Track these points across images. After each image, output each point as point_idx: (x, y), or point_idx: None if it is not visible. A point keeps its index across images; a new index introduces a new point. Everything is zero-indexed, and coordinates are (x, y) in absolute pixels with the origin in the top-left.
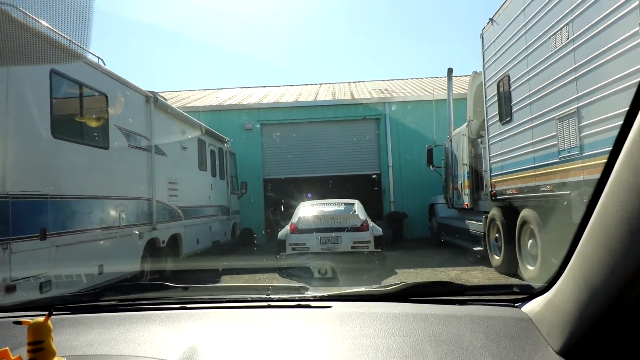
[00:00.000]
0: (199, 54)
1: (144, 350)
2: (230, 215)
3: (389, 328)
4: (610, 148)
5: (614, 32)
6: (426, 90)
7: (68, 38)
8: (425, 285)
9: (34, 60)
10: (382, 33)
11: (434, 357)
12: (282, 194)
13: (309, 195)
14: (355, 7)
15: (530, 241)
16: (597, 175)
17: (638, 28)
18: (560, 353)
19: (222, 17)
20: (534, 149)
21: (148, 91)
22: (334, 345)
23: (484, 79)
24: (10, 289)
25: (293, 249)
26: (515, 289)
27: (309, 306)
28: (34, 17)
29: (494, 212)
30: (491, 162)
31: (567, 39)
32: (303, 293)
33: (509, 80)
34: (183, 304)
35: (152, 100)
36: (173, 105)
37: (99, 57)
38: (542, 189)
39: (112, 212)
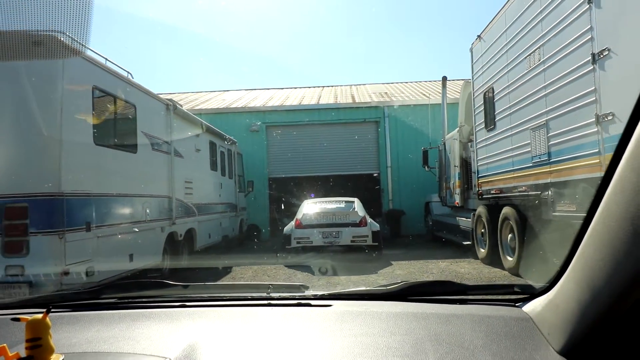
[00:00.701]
0: (203, 52)
1: (143, 348)
2: (238, 212)
3: (390, 327)
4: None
5: (573, 59)
6: (424, 94)
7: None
8: (425, 285)
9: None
10: (383, 35)
11: (435, 356)
12: (286, 192)
13: (312, 195)
14: (358, 10)
15: (509, 235)
16: (562, 179)
17: (589, 58)
18: (561, 353)
19: (226, 16)
20: (513, 154)
21: (167, 99)
22: (334, 344)
23: (473, 89)
24: (65, 272)
25: (298, 242)
26: (516, 289)
27: (309, 305)
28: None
29: (480, 209)
30: (478, 164)
31: (539, 60)
32: (303, 292)
33: (493, 92)
34: (183, 301)
35: (172, 107)
36: (186, 110)
37: (128, 72)
38: (519, 189)
39: (140, 208)
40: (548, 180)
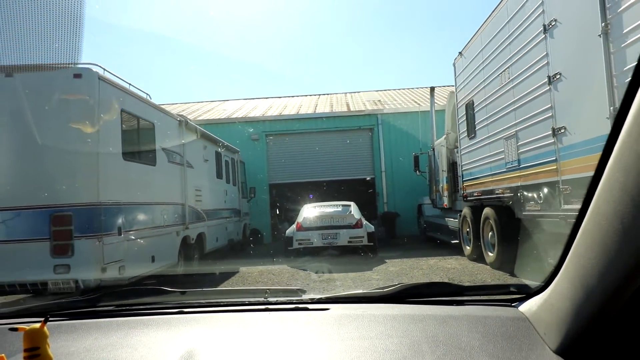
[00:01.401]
0: (197, 62)
1: (142, 355)
2: (241, 217)
3: (387, 329)
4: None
5: (534, 79)
6: (415, 102)
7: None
8: (422, 286)
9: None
10: (377, 40)
11: (432, 358)
12: (285, 197)
13: (311, 196)
14: (353, 15)
15: (490, 233)
16: (529, 182)
17: (546, 80)
18: (557, 352)
19: (219, 25)
20: (491, 160)
21: (178, 115)
22: (331, 347)
23: (456, 100)
24: (104, 269)
25: (299, 243)
26: (512, 289)
27: (306, 309)
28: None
29: (465, 210)
30: (463, 169)
31: (508, 79)
32: (300, 296)
33: (473, 104)
34: (180, 308)
35: (184, 123)
36: (194, 123)
37: (147, 93)
38: (496, 192)
39: (159, 215)
40: (518, 184)
